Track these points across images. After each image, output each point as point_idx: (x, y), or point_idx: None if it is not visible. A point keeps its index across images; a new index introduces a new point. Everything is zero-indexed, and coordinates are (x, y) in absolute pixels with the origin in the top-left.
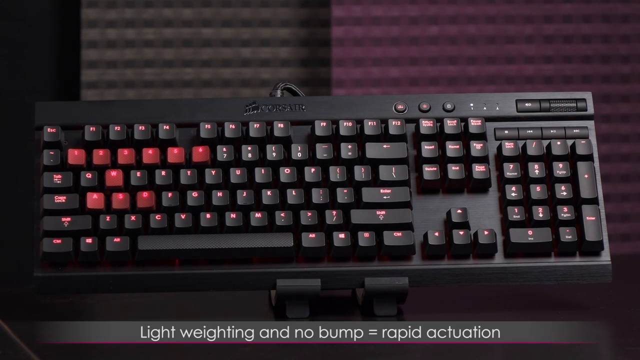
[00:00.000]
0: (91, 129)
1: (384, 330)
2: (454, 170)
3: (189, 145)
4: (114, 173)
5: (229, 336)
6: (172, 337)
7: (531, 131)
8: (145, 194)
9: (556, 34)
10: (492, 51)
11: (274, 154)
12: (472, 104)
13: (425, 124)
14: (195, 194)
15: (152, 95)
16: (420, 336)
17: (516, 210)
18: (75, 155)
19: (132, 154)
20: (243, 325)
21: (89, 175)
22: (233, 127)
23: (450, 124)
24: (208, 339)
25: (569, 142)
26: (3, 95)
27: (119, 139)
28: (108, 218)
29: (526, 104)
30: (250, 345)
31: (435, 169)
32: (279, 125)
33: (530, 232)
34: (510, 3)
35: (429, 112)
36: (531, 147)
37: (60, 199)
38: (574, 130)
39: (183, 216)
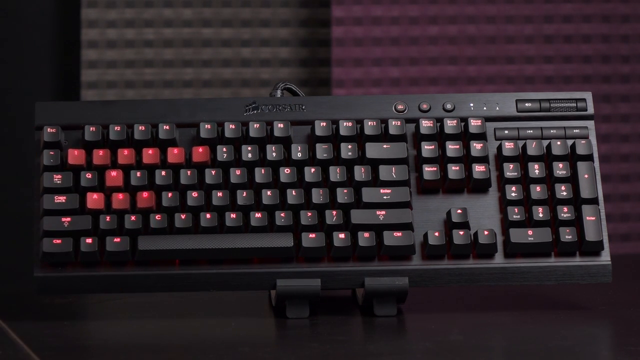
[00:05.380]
0: (91, 129)
1: (384, 330)
2: (454, 170)
3: (189, 145)
4: (114, 173)
5: (229, 336)
6: (172, 337)
7: (531, 131)
8: (145, 194)
9: (556, 34)
10: (492, 51)
11: (274, 154)
12: (472, 104)
13: (425, 124)
14: (195, 194)
15: (152, 95)
16: (420, 336)
17: (516, 210)
18: (75, 155)
19: (132, 154)
20: (243, 325)
21: (89, 175)
22: (233, 127)
23: (450, 124)
24: (208, 339)
25: (569, 142)
26: (3, 95)
27: (119, 139)
28: (108, 218)
29: (526, 104)
30: (250, 345)
31: (435, 169)
32: (279, 125)
33: (530, 232)
34: (510, 3)
35: (429, 112)
36: (531, 147)
37: (60, 199)
38: (574, 130)
39: (183, 216)
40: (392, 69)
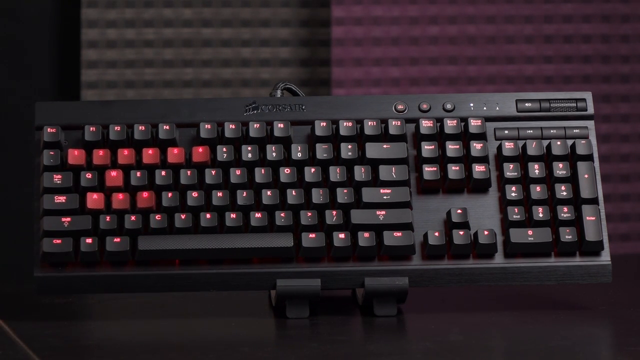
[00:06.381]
0: (91, 129)
1: (384, 330)
2: (454, 170)
3: (189, 145)
4: (114, 173)
5: (229, 336)
6: (172, 337)
7: (531, 131)
8: (145, 194)
9: (556, 34)
10: (492, 51)
11: (274, 154)
12: (472, 104)
13: (425, 124)
14: (195, 194)
15: (152, 95)
16: (420, 336)
17: (516, 210)
18: (75, 155)
19: (132, 154)
20: (243, 325)
21: (89, 175)
22: (233, 127)
23: (450, 124)
24: (208, 339)
25: (569, 142)
26: (3, 95)
27: (119, 139)
28: (108, 218)
29: (526, 104)
30: (250, 345)
31: (435, 169)
32: (279, 125)
33: (530, 232)
34: (510, 3)
35: (429, 112)
36: (531, 147)
37: (60, 199)
38: (574, 130)
39: (183, 216)
40: (392, 69)
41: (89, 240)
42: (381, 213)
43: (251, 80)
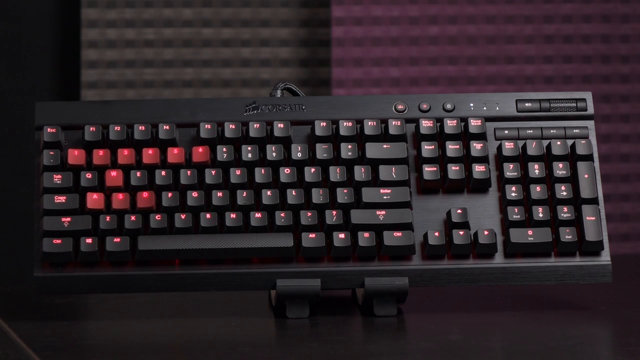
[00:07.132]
0: (91, 129)
1: (384, 330)
2: (454, 170)
3: (189, 145)
4: (114, 173)
5: (229, 336)
6: (172, 337)
7: (531, 131)
8: (145, 194)
9: (556, 34)
10: (492, 51)
11: (274, 154)
12: (472, 104)
13: (425, 124)
14: (195, 194)
15: (152, 95)
16: (420, 336)
17: (516, 210)
18: (75, 155)
19: (132, 154)
20: (243, 325)
21: (89, 175)
22: (233, 127)
23: (450, 124)
24: (208, 339)
25: (569, 142)
26: (3, 95)
27: (119, 139)
28: (108, 218)
29: (526, 104)
30: (250, 345)
31: (435, 169)
32: (279, 125)
33: (530, 232)
34: (510, 3)
35: (429, 112)
36: (531, 147)
37: (60, 199)
38: (574, 130)
39: (183, 216)
40: (392, 69)
41: (89, 240)
42: (381, 213)
43: (251, 80)
